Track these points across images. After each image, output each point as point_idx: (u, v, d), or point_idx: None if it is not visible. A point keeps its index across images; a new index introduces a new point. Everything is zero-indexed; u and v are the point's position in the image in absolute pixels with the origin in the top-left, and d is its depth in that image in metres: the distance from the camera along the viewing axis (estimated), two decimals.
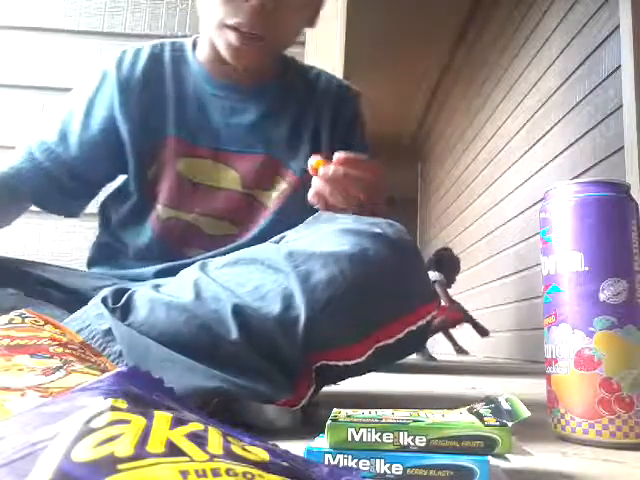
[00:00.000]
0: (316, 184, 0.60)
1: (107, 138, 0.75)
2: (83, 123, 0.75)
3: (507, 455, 0.34)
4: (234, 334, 0.49)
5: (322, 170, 0.59)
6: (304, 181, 0.76)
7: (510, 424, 0.34)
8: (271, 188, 0.77)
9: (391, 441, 0.33)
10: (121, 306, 0.52)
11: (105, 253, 0.78)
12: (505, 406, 0.38)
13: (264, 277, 0.51)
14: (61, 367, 0.32)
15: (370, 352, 0.52)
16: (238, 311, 0.49)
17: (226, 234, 0.75)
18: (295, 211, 0.75)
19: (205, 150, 0.75)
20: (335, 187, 0.60)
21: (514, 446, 0.33)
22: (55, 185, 0.76)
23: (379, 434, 0.34)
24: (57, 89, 1.42)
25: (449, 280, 3.07)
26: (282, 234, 0.63)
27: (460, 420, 0.35)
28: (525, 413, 0.36)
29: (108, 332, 0.50)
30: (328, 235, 0.55)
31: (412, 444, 0.33)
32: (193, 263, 0.65)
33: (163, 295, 0.53)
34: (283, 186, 0.77)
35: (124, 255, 0.77)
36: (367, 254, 0.52)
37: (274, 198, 0.76)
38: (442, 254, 3.14)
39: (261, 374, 0.49)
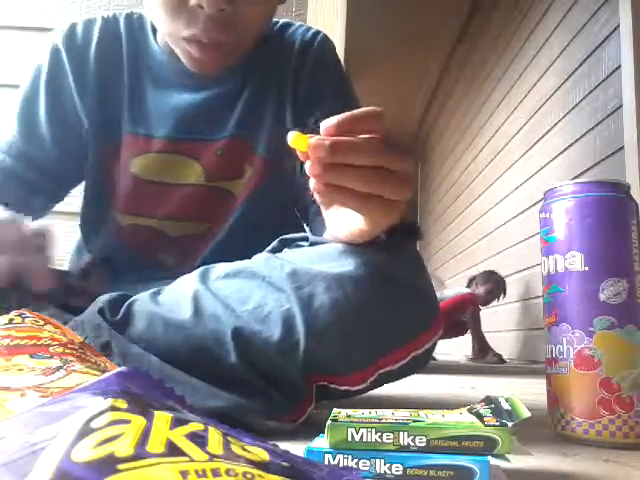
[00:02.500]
0: (311, 171, 0.39)
1: (77, 129, 0.68)
2: (48, 114, 0.68)
3: (507, 455, 0.34)
4: (233, 357, 0.47)
5: (312, 144, 0.38)
6: (271, 162, 0.68)
7: (510, 424, 0.34)
8: (240, 176, 0.69)
9: (391, 441, 0.33)
10: (119, 319, 0.51)
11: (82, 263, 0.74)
12: (505, 406, 0.38)
13: (265, 295, 0.49)
14: (61, 367, 0.32)
15: (372, 378, 0.51)
16: (238, 334, 0.47)
17: (196, 234, 0.70)
18: (267, 199, 0.69)
19: (162, 142, 0.68)
20: (341, 168, 0.38)
21: (514, 446, 0.33)
22: (26, 186, 0.68)
23: (379, 434, 0.34)
24: None
25: (486, 300, 3.02)
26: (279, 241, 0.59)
27: (460, 420, 0.35)
28: (525, 413, 0.36)
29: (106, 346, 0.49)
30: (332, 252, 0.52)
31: (412, 444, 0.33)
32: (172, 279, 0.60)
33: (161, 309, 0.50)
34: (250, 171, 0.69)
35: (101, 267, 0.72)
36: (372, 278, 0.49)
37: (243, 186, 0.69)
38: (491, 276, 3.07)
39: (260, 394, 0.48)
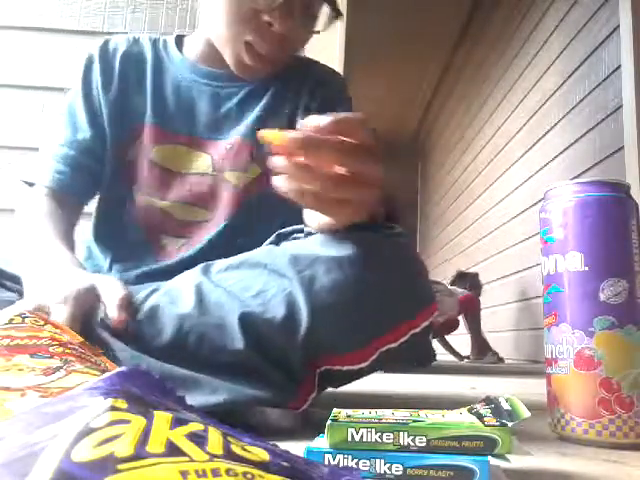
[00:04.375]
0: (277, 163, 0.41)
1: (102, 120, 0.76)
2: (85, 109, 0.75)
3: (507, 455, 0.34)
4: (238, 343, 0.48)
5: (282, 138, 0.40)
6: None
7: (510, 424, 0.34)
8: (242, 170, 0.74)
9: (391, 441, 0.33)
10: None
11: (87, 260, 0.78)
12: (505, 406, 0.38)
13: (268, 281, 0.51)
14: (61, 367, 0.32)
15: (374, 357, 0.52)
16: (244, 319, 0.49)
17: (200, 220, 0.74)
18: (270, 204, 0.72)
19: (181, 137, 0.75)
20: (306, 168, 0.41)
21: (514, 446, 0.33)
22: (89, 175, 0.75)
23: (379, 434, 0.34)
24: (57, 89, 1.42)
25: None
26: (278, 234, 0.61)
27: (460, 420, 0.35)
28: (525, 413, 0.36)
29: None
30: (331, 238, 0.54)
31: (412, 444, 0.33)
32: (171, 267, 0.64)
33: (164, 300, 0.52)
34: (255, 170, 0.74)
35: (104, 258, 0.76)
36: (369, 259, 0.52)
37: (245, 181, 0.74)
38: (466, 275, 3.11)
39: (265, 380, 0.49)
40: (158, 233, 0.75)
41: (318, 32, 0.76)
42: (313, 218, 0.55)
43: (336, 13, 0.72)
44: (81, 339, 0.41)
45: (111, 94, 0.76)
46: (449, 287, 2.97)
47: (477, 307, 2.98)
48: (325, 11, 0.72)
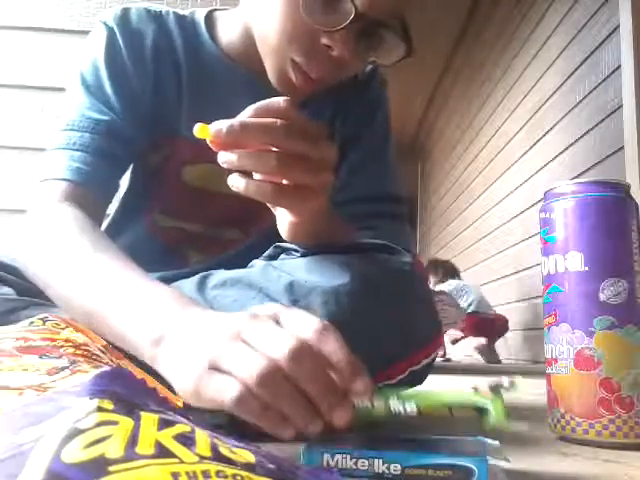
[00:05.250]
0: (224, 158, 0.42)
1: (139, 100, 0.64)
2: (115, 88, 0.62)
3: (507, 455, 0.34)
4: None
5: (213, 131, 0.40)
6: None
7: (504, 393, 0.34)
8: None
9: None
10: None
11: None
12: (505, 385, 0.37)
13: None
14: (67, 367, 0.32)
15: None
16: None
17: (233, 239, 0.72)
18: None
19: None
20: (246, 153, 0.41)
21: (507, 419, 0.33)
22: (115, 164, 0.62)
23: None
24: (57, 89, 1.42)
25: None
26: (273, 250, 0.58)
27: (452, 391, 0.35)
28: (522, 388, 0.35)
29: None
30: (328, 263, 0.51)
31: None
32: (191, 274, 0.60)
33: None
34: None
35: None
36: (368, 292, 0.49)
37: None
38: (437, 262, 3.17)
39: None
40: (186, 249, 0.71)
41: (384, 65, 0.63)
42: (282, 223, 0.51)
43: (409, 48, 0.58)
44: (105, 342, 0.39)
45: (146, 92, 0.64)
46: (455, 285, 2.97)
47: (506, 329, 2.98)
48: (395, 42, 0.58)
